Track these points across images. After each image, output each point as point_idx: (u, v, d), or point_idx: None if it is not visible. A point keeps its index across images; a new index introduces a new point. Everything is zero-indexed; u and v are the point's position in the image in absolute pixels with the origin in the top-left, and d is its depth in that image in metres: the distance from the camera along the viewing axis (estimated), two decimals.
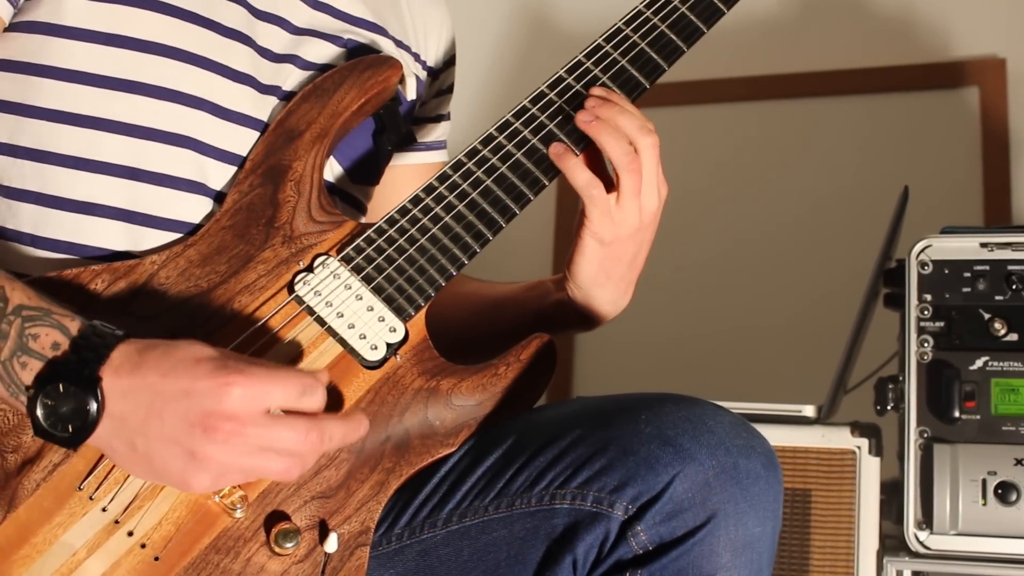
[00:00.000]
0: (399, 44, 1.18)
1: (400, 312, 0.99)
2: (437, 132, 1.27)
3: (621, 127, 1.03)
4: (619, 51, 1.08)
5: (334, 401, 0.95)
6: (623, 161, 1.02)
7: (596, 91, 1.05)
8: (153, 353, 0.84)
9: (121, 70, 1.00)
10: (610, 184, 1.05)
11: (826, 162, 2.42)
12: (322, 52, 1.09)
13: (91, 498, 0.88)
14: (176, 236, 1.01)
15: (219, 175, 1.02)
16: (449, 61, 1.26)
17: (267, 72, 1.06)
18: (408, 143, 1.18)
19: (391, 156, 1.18)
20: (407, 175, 1.23)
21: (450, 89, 1.28)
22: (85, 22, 1.00)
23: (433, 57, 1.23)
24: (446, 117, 1.29)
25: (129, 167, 1.00)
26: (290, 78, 1.07)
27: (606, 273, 1.06)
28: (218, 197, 1.02)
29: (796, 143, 2.46)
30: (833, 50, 2.45)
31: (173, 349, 0.85)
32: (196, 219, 1.01)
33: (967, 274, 1.50)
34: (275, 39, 1.07)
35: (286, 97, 1.06)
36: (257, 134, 1.04)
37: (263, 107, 1.05)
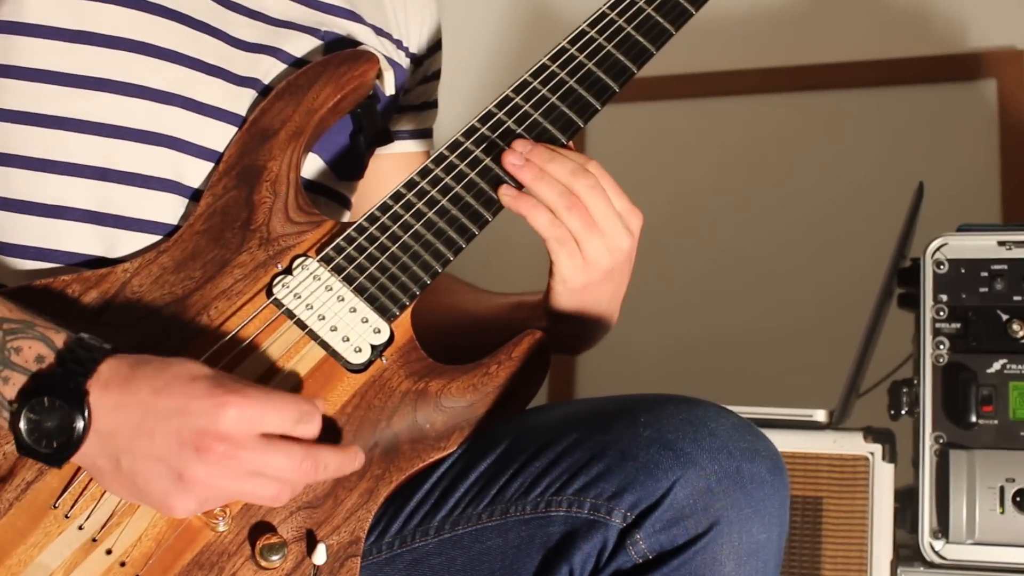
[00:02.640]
0: (379, 32, 1.17)
1: (384, 312, 0.98)
2: (421, 120, 1.26)
3: (552, 174, 1.00)
4: (584, 54, 1.07)
5: None
6: (561, 203, 0.99)
7: (518, 144, 1.02)
8: (146, 369, 0.84)
9: (87, 67, 1.00)
10: None
11: (838, 157, 2.42)
12: (301, 45, 1.09)
13: (67, 516, 0.87)
14: (150, 237, 1.00)
15: (196, 172, 1.02)
16: (434, 46, 1.25)
17: (241, 64, 1.05)
18: (384, 141, 1.18)
19: (371, 152, 1.17)
20: (390, 165, 1.22)
21: (436, 75, 1.27)
22: (47, 19, 0.99)
23: (416, 43, 1.22)
24: (432, 105, 1.28)
25: (98, 167, 1.00)
26: (271, 71, 1.07)
27: (583, 315, 1.05)
28: (194, 195, 1.02)
29: (806, 137, 2.45)
30: (845, 41, 2.44)
31: (167, 366, 0.84)
32: (170, 219, 1.01)
33: (984, 273, 1.49)
34: (250, 30, 1.07)
35: (264, 90, 1.06)
36: (234, 128, 1.04)
37: (239, 100, 1.04)
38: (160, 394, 0.82)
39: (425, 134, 1.27)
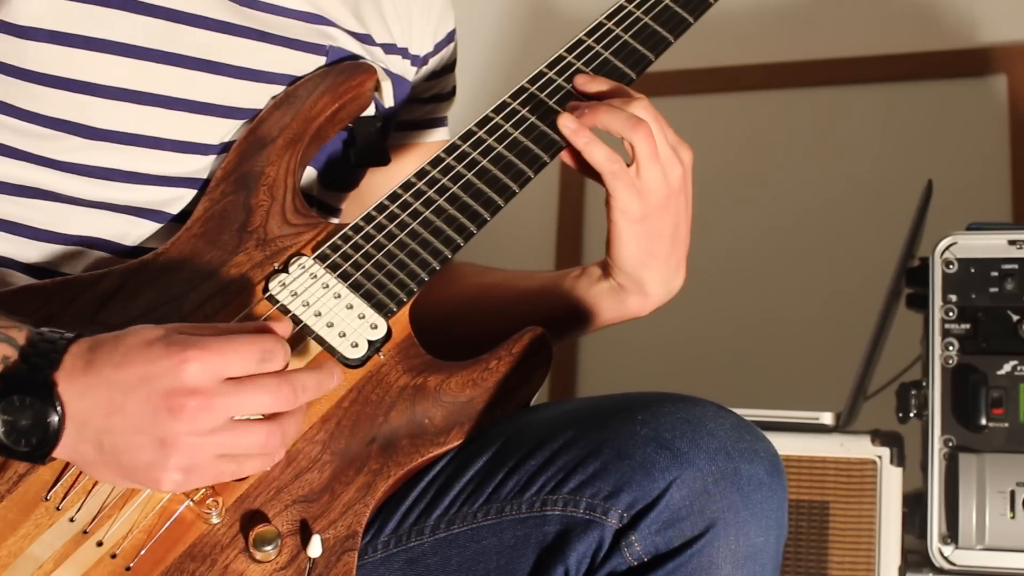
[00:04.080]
0: (389, 50, 1.18)
1: (381, 308, 0.99)
2: (426, 110, 1.27)
3: (612, 104, 1.05)
4: (601, 44, 1.11)
5: (314, 403, 0.94)
6: (627, 126, 1.03)
7: (579, 79, 1.07)
8: (103, 347, 0.85)
9: (84, 117, 1.01)
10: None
11: (845, 154, 2.42)
12: (304, 64, 1.11)
13: (58, 508, 0.88)
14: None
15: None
16: (444, 40, 1.25)
17: (240, 95, 1.07)
18: (381, 162, 1.18)
19: (363, 170, 1.19)
20: (401, 155, 1.24)
21: (446, 69, 1.27)
22: (49, 68, 1.01)
23: (419, 43, 1.22)
24: (445, 96, 1.29)
25: (95, 201, 1.03)
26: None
27: (649, 252, 1.07)
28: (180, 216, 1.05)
29: (813, 134, 2.46)
30: (851, 36, 2.44)
31: (122, 338, 0.85)
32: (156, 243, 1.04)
33: (994, 273, 1.50)
34: (254, 56, 1.08)
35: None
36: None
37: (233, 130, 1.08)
38: (120, 367, 0.83)
39: (435, 124, 1.28)
